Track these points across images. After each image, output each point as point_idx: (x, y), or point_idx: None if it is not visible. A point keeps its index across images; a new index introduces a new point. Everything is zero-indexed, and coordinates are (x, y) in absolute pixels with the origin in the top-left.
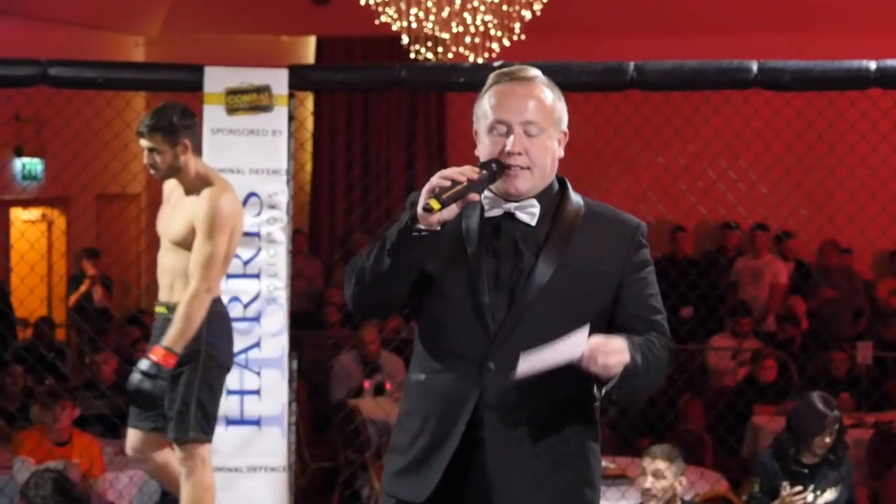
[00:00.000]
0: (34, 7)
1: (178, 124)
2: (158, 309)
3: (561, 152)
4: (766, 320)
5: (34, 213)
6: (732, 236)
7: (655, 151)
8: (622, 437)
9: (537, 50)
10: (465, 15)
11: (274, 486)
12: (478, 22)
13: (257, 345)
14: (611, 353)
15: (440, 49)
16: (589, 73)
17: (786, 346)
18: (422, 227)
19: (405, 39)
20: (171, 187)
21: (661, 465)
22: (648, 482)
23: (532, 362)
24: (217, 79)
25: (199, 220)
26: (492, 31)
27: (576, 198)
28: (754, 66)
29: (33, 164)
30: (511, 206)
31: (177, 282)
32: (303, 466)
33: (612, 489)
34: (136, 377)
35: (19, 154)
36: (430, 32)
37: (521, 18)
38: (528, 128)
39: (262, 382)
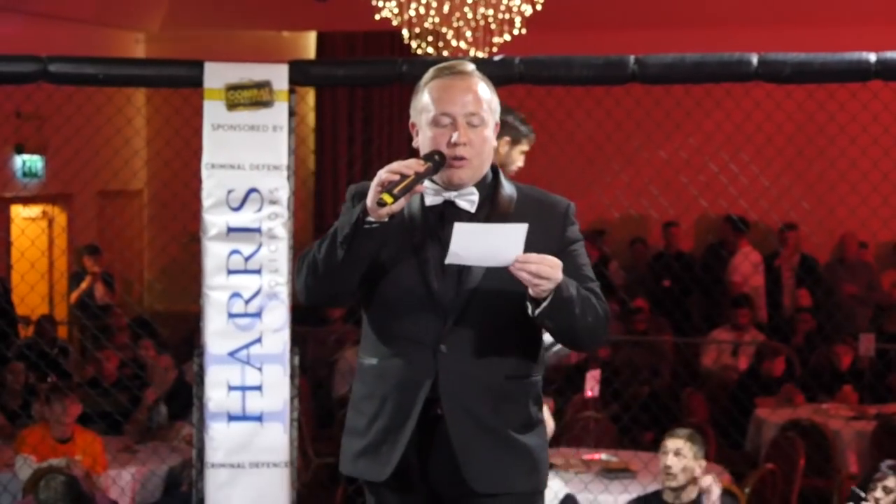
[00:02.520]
0: (35, 4)
1: None
2: None
3: (494, 141)
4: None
5: (35, 211)
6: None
7: (657, 145)
8: (625, 430)
9: (538, 44)
10: (466, 10)
11: (276, 481)
12: (478, 16)
13: (259, 340)
14: (543, 264)
15: (441, 44)
16: (590, 66)
17: (787, 339)
18: (372, 219)
19: (406, 34)
20: None
21: (680, 443)
22: (669, 459)
23: (463, 251)
24: (217, 74)
25: None
26: (492, 26)
27: (507, 184)
28: (755, 59)
29: (34, 161)
30: (451, 194)
31: None
32: (306, 462)
33: (614, 483)
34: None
35: (20, 151)
36: (430, 27)
37: (522, 13)
38: (470, 119)
39: (263, 378)
